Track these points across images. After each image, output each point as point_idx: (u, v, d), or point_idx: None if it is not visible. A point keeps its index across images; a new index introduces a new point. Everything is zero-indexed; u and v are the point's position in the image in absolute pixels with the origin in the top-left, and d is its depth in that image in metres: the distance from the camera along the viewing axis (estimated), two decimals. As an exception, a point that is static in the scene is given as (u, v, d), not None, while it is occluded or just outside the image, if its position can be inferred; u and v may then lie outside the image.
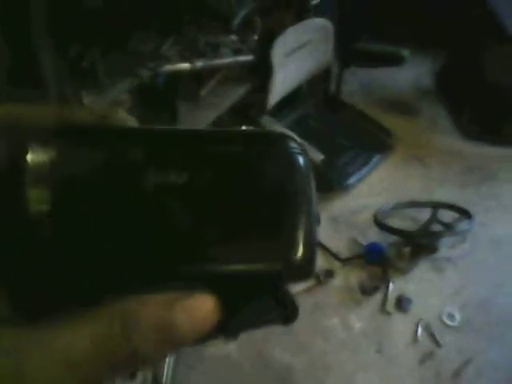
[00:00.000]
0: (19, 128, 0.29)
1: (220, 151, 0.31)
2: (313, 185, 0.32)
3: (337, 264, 1.67)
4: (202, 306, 0.30)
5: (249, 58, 1.72)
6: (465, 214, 1.73)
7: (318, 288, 1.59)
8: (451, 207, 1.77)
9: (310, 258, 0.30)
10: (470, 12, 2.21)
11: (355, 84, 2.44)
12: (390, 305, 1.55)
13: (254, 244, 0.30)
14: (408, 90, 2.50)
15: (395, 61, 1.97)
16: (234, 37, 1.72)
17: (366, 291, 1.58)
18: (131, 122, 0.32)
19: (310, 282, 1.59)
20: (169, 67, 1.55)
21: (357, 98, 2.26)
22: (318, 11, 1.83)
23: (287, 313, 0.33)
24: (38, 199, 0.26)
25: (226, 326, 0.31)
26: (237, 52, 1.72)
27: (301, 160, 0.32)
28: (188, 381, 1.35)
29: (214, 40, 1.70)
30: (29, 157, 0.27)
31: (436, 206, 1.78)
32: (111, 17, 1.45)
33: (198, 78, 1.71)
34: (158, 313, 0.29)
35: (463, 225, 1.68)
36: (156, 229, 0.28)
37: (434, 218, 1.75)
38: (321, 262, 1.67)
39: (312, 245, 0.30)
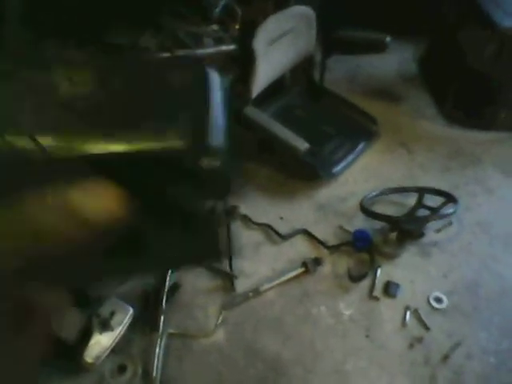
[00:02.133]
0: None
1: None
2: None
3: (325, 252, 1.67)
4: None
5: (231, 47, 1.71)
6: (450, 198, 1.74)
7: (306, 276, 1.60)
8: (436, 192, 1.78)
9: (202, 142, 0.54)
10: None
11: (339, 72, 2.44)
12: (378, 290, 1.56)
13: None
14: (391, 76, 2.51)
15: (377, 47, 1.96)
16: (215, 26, 1.70)
17: (354, 278, 1.59)
18: None
19: (298, 271, 1.59)
20: (149, 58, 1.53)
21: (341, 86, 2.26)
22: (299, -1, 1.82)
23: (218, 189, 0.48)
24: None
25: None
26: (219, 42, 1.70)
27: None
28: (178, 373, 1.35)
29: (194, 30, 1.68)
30: None
31: (421, 191, 1.79)
32: (87, 10, 1.43)
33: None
34: None
35: (449, 209, 1.69)
36: None
37: (419, 203, 1.76)
38: (309, 251, 1.68)
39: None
